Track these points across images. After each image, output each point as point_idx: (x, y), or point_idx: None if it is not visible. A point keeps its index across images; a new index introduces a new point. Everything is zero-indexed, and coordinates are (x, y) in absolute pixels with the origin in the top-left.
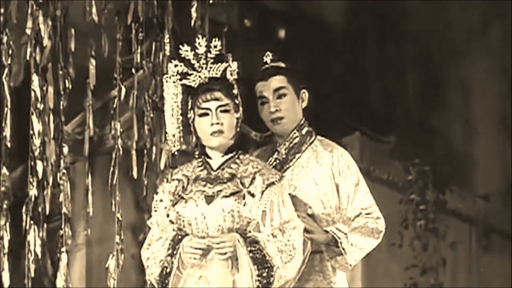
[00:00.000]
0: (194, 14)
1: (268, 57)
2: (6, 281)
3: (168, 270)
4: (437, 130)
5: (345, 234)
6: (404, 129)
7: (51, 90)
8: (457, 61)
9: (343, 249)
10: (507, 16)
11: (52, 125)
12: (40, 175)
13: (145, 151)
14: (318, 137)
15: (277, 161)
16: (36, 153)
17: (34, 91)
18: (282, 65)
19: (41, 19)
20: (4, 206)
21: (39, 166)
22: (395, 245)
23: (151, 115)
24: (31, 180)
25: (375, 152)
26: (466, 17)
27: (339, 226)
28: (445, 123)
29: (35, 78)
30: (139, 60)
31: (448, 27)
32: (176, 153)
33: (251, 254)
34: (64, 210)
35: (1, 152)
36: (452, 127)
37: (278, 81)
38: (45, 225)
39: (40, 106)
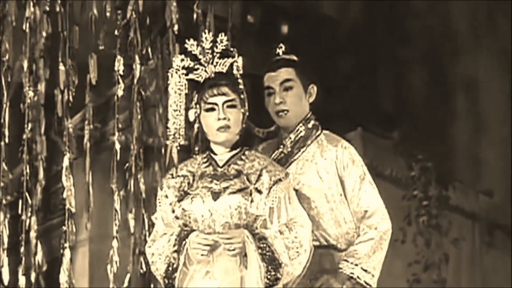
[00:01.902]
0: (196, 10)
1: (280, 49)
2: (5, 277)
3: (174, 266)
4: (441, 126)
5: (357, 265)
6: (407, 125)
7: (42, 86)
8: (462, 58)
9: (366, 282)
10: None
11: (43, 121)
12: (28, 172)
13: (148, 147)
14: (324, 131)
15: (282, 154)
16: (26, 149)
17: (28, 87)
18: (294, 58)
19: (38, 13)
20: (4, 202)
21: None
22: (397, 241)
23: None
24: (24, 174)
25: (378, 148)
26: (472, 14)
27: (350, 258)
28: (448, 119)
29: (27, 74)
30: (142, 56)
31: (453, 24)
32: (178, 148)
33: (259, 251)
34: (67, 206)
35: (1, 148)
36: (456, 123)
37: (286, 73)
38: (34, 220)
39: (33, 102)
